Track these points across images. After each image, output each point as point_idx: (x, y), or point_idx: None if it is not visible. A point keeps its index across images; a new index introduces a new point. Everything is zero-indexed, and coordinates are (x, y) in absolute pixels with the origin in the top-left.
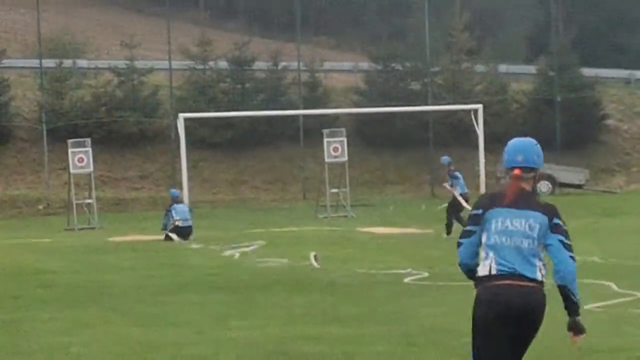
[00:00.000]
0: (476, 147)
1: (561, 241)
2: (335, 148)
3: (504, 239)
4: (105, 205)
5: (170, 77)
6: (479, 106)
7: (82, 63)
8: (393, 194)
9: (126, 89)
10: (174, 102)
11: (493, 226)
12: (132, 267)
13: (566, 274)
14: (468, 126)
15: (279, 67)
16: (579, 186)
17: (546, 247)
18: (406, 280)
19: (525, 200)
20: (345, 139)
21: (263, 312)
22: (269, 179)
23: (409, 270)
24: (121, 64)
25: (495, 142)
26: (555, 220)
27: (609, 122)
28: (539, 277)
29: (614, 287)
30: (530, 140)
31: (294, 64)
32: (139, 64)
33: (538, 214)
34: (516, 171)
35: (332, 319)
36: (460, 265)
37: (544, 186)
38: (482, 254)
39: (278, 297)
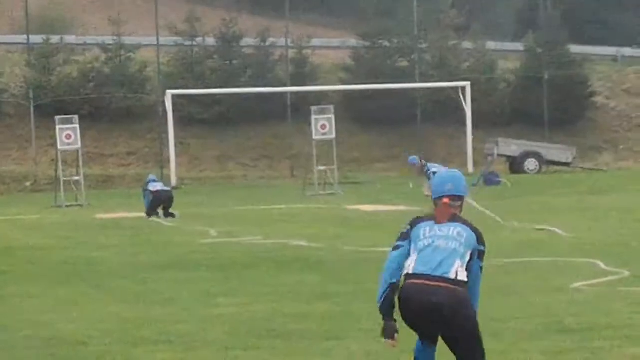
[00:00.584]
0: (464, 124)
1: (481, 267)
2: (323, 125)
3: (430, 241)
4: (93, 182)
5: (158, 53)
6: (467, 84)
7: (70, 39)
8: (381, 171)
9: (114, 66)
10: (162, 79)
11: (422, 233)
12: (119, 245)
13: (474, 298)
14: (456, 103)
15: (267, 44)
16: (566, 164)
17: (468, 268)
18: None
19: (455, 219)
20: (333, 116)
21: (250, 289)
22: (256, 156)
23: None
24: (109, 40)
25: (483, 119)
26: (481, 247)
27: (597, 99)
28: (456, 276)
29: (601, 265)
30: (457, 172)
31: (282, 41)
32: (127, 40)
33: (467, 228)
34: (445, 199)
35: (320, 296)
36: (383, 277)
37: (531, 164)
38: (409, 256)
39: (265, 275)
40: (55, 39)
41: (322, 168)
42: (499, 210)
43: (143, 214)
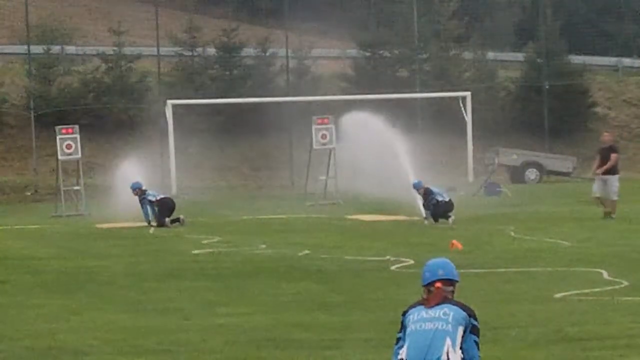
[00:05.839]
0: (464, 134)
1: (476, 342)
2: (324, 135)
3: (418, 325)
4: (93, 192)
5: (159, 63)
6: (467, 94)
7: (70, 49)
8: None
9: (114, 75)
10: (162, 89)
11: (411, 318)
12: (119, 254)
13: None
14: (456, 113)
15: (267, 54)
16: (566, 174)
17: (463, 344)
18: (393, 267)
19: (444, 302)
20: (333, 126)
21: (250, 299)
22: (256, 165)
23: (396, 259)
24: (109, 50)
25: (484, 129)
26: (474, 322)
27: (597, 109)
28: (447, 358)
29: (605, 274)
30: (446, 259)
31: (282, 51)
32: (127, 50)
33: (454, 307)
34: (437, 284)
35: (320, 306)
36: None
37: (531, 174)
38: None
39: (265, 285)
40: (55, 49)
41: (322, 178)
42: (500, 219)
43: (146, 224)
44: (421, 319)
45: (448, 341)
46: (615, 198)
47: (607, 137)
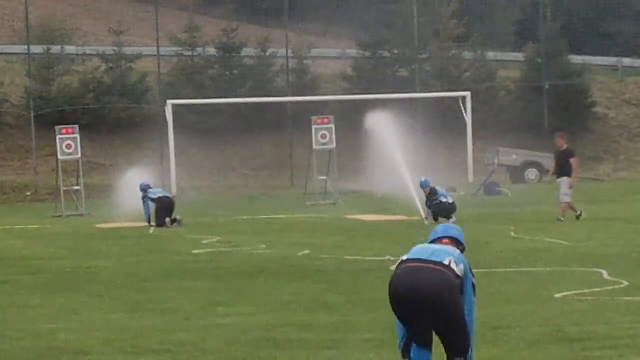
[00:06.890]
0: (464, 134)
1: (474, 302)
2: (324, 135)
3: (423, 244)
4: (93, 192)
5: (159, 63)
6: (467, 94)
7: (70, 49)
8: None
9: (114, 76)
10: (162, 89)
11: (416, 246)
12: (119, 254)
13: (470, 331)
14: (456, 113)
15: (267, 54)
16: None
17: (464, 294)
18: (393, 267)
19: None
20: (333, 126)
21: (251, 299)
22: (256, 166)
23: (396, 259)
24: (109, 50)
25: (484, 129)
26: (473, 280)
27: (597, 109)
28: (449, 264)
29: (605, 274)
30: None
31: (282, 51)
32: (127, 50)
33: (461, 253)
34: (445, 240)
35: (320, 306)
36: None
37: (532, 174)
38: None
39: (266, 285)
40: (55, 49)
41: (322, 178)
42: (500, 219)
43: (147, 224)
44: (426, 243)
45: (451, 257)
46: (566, 200)
47: (561, 141)
